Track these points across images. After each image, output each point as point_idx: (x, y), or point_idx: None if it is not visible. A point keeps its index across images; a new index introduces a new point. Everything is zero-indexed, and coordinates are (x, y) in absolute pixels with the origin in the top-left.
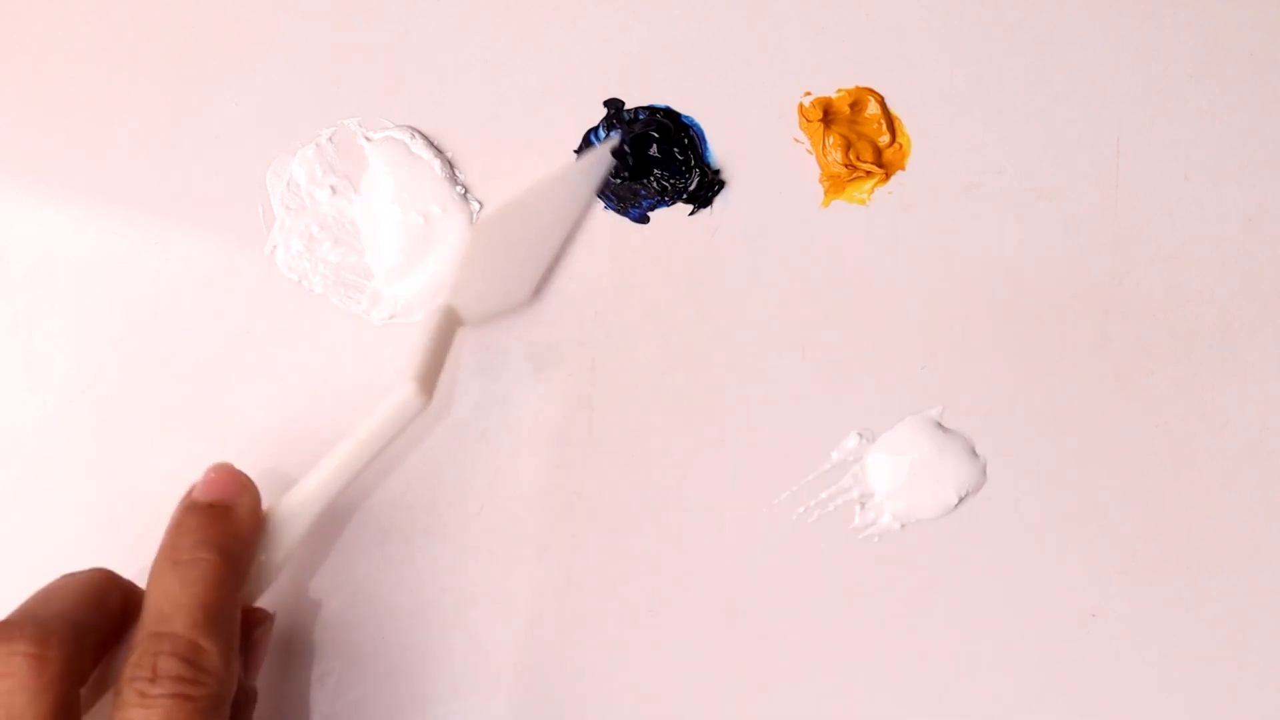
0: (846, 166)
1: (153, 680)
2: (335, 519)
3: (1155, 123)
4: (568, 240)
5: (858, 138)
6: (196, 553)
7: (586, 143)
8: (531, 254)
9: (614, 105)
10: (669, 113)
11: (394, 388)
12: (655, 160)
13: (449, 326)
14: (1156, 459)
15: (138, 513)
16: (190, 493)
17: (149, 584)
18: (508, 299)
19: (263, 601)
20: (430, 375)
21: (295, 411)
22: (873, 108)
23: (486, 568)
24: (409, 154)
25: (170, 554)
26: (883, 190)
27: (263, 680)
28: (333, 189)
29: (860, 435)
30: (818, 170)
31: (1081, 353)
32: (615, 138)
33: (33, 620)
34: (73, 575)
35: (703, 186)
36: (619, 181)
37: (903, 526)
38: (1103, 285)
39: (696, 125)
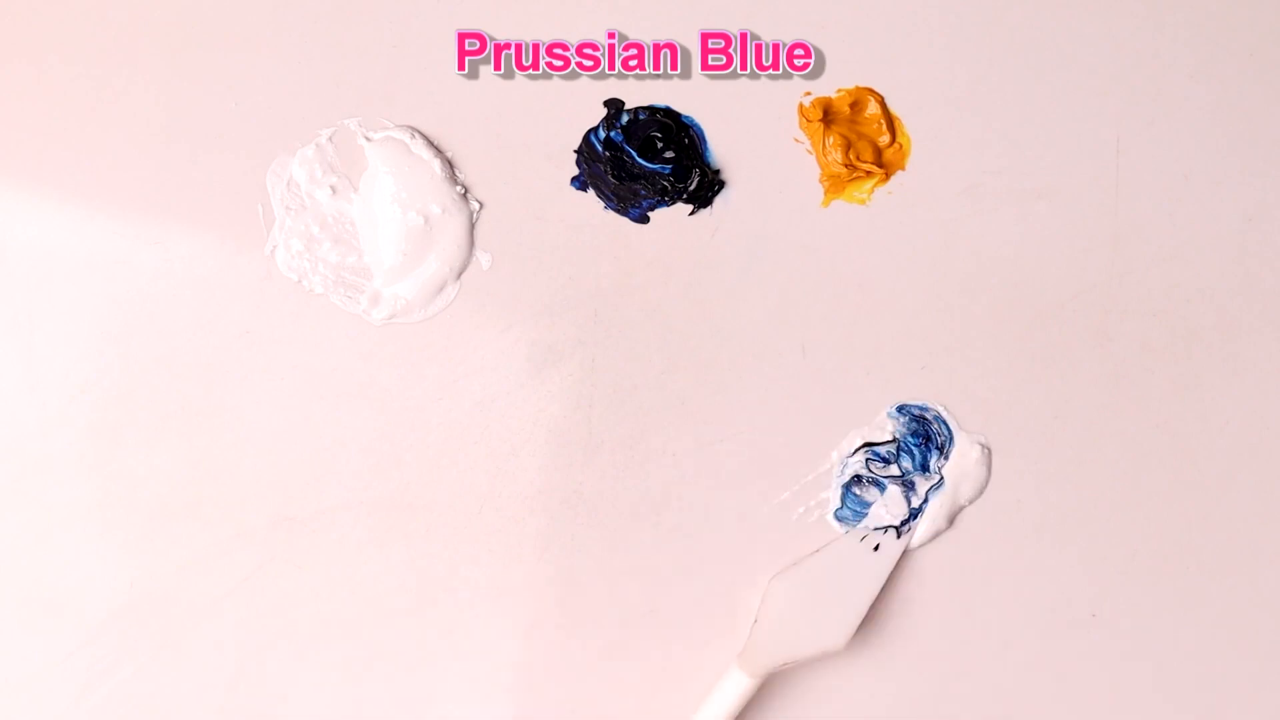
0: (846, 166)
1: None
2: (336, 518)
3: (1155, 123)
4: (881, 592)
5: (858, 138)
6: None
7: (587, 143)
8: (845, 602)
9: (614, 105)
10: (669, 113)
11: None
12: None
13: (742, 688)
14: (1156, 459)
15: (138, 513)
16: None
17: None
18: (818, 644)
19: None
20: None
21: (295, 411)
22: (873, 108)
23: (486, 568)
24: (409, 154)
25: None
26: (883, 190)
27: (263, 680)
28: (333, 189)
29: (860, 435)
30: (818, 170)
31: (1081, 352)
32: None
33: None
34: None
35: (703, 186)
36: (617, 182)
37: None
38: (1103, 285)
39: (696, 125)
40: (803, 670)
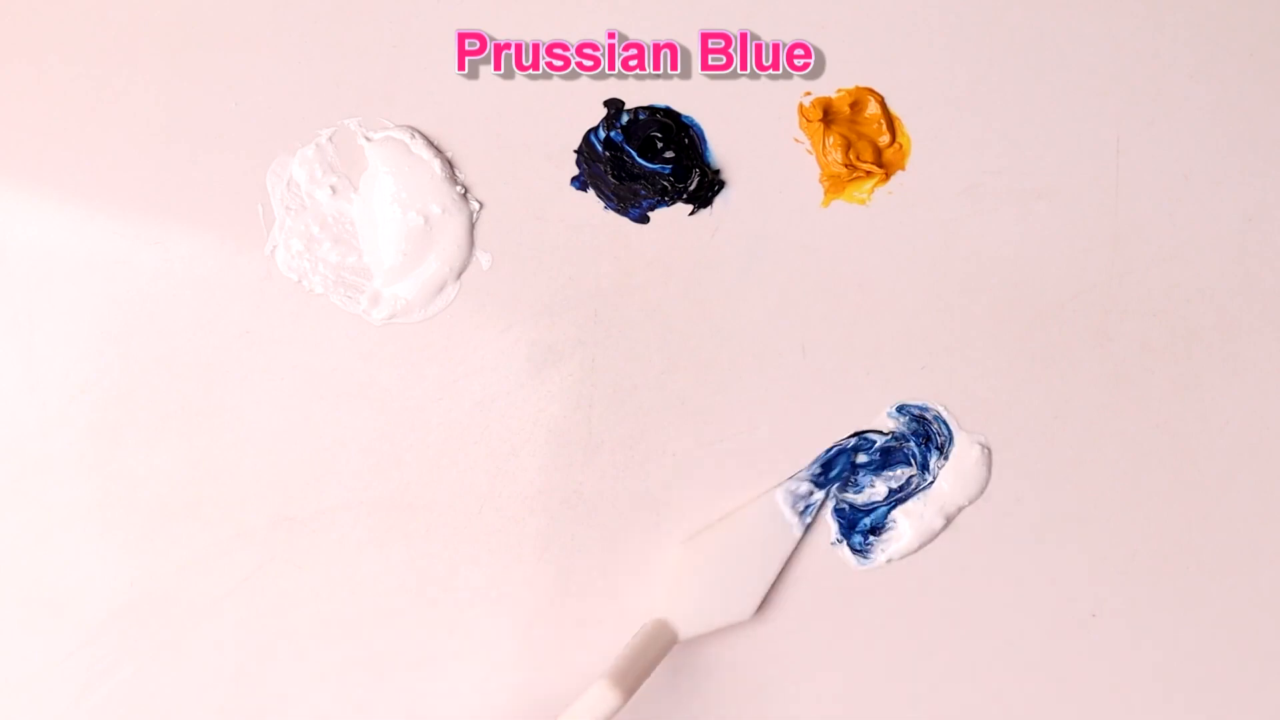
0: (846, 166)
1: None
2: (336, 518)
3: (1155, 123)
4: (787, 561)
5: (858, 138)
6: None
7: (587, 143)
8: (751, 572)
9: (614, 105)
10: (669, 113)
11: (592, 686)
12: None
13: (659, 638)
14: (1156, 459)
15: (138, 513)
16: None
17: None
18: (726, 615)
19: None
20: (625, 676)
21: (295, 411)
22: (873, 108)
23: (486, 568)
24: (409, 154)
25: None
26: (883, 190)
27: (263, 680)
28: (333, 189)
29: (861, 435)
30: (818, 170)
31: (1081, 353)
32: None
33: None
34: None
35: (703, 186)
36: (617, 182)
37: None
38: (1103, 285)
39: (696, 125)
40: (802, 671)
